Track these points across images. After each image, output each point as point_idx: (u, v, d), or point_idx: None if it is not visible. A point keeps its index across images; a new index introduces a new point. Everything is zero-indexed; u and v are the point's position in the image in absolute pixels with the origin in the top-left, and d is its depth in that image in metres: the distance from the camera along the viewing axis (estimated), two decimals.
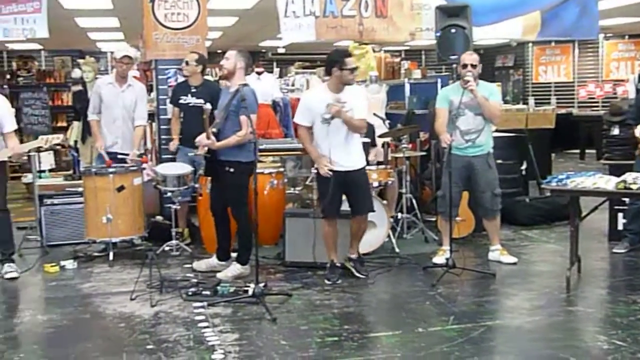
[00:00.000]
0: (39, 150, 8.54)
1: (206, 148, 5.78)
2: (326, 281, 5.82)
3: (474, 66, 6.11)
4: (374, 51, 10.70)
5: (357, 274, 5.89)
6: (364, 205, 5.88)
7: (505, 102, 14.15)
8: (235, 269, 5.98)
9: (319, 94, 5.80)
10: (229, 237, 6.14)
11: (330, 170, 5.70)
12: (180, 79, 7.59)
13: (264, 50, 18.60)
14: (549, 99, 16.51)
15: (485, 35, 8.69)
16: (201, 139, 5.78)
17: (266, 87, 9.37)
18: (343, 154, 5.74)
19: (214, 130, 5.75)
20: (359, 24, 8.33)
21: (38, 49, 16.81)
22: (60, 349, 4.43)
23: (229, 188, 5.90)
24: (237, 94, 5.62)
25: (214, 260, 6.14)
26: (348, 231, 5.99)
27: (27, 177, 10.29)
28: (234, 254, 6.13)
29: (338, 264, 5.95)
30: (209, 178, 6.20)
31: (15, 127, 6.38)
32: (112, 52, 17.32)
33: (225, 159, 5.79)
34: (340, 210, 5.91)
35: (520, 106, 13.36)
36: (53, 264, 6.40)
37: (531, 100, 14.54)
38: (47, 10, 7.79)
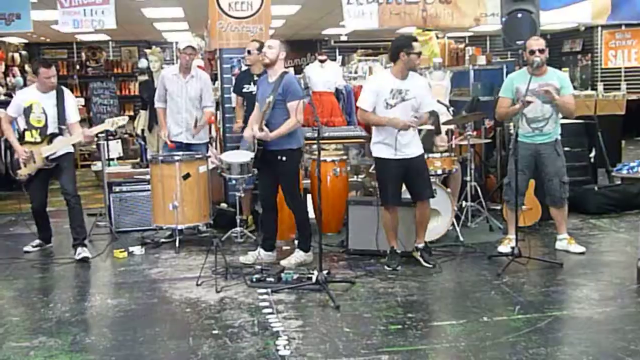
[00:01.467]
0: (107, 138, 8.78)
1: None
2: (386, 267, 5.82)
3: (541, 51, 5.98)
4: (437, 37, 10.56)
5: (425, 264, 5.86)
6: (424, 191, 5.86)
7: (573, 88, 13.78)
8: (298, 256, 6.03)
9: (384, 80, 5.82)
10: (276, 228, 6.18)
11: (392, 160, 5.71)
12: (244, 68, 7.65)
13: (326, 38, 18.60)
14: (619, 84, 15.99)
15: (552, 19, 8.50)
16: (253, 133, 5.81)
17: (329, 75, 9.35)
18: (405, 141, 5.72)
19: (260, 147, 5.86)
20: (423, 10, 8.26)
21: (106, 40, 17.21)
22: (130, 332, 4.54)
23: (282, 177, 5.94)
24: (281, 82, 5.71)
25: (260, 252, 6.15)
26: (410, 219, 5.97)
27: (97, 165, 10.57)
28: (296, 241, 6.19)
29: (398, 251, 5.93)
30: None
31: (79, 118, 6.72)
32: (177, 42, 17.61)
33: (276, 149, 5.83)
34: (401, 198, 5.89)
35: (589, 92, 12.99)
36: (122, 250, 6.57)
37: (600, 86, 14.11)
38: (115, 2, 7.97)
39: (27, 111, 6.41)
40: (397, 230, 5.94)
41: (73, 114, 6.56)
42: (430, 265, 5.84)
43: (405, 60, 5.65)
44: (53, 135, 6.41)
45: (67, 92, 6.60)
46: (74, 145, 6.75)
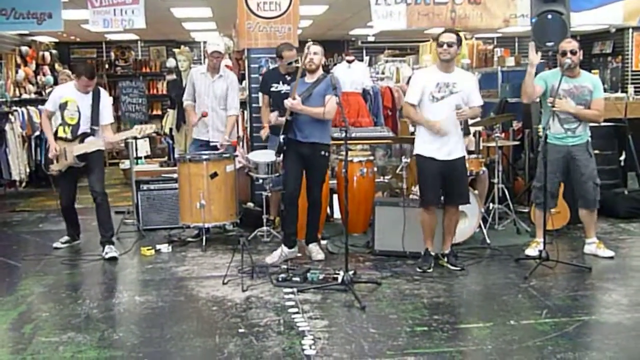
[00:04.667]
0: (135, 138, 8.85)
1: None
2: (417, 269, 5.80)
3: (573, 52, 5.94)
4: (465, 38, 10.50)
5: (453, 268, 5.83)
6: (459, 196, 5.83)
7: (603, 90, 13.59)
8: (318, 249, 6.26)
9: (431, 73, 5.90)
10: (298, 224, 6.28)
11: (431, 158, 5.71)
12: (272, 66, 7.65)
13: (353, 39, 18.58)
14: None
15: (583, 21, 8.41)
16: (285, 101, 5.96)
17: (357, 75, 9.33)
18: (446, 139, 5.70)
19: (289, 118, 5.98)
20: (451, 10, 8.22)
21: (135, 40, 17.33)
22: (157, 329, 4.58)
23: (318, 170, 6.13)
24: (322, 80, 5.97)
25: (285, 249, 6.18)
26: (440, 222, 5.94)
27: (125, 164, 10.67)
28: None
29: (432, 253, 5.91)
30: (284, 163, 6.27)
31: (112, 120, 6.85)
32: (205, 42, 17.68)
33: (319, 142, 6.00)
34: (440, 198, 5.87)
35: (619, 95, 12.83)
36: (149, 248, 6.62)
37: (631, 89, 13.92)
38: (144, 1, 8.04)
39: (63, 107, 6.54)
40: (434, 231, 5.92)
41: (107, 115, 6.65)
42: (459, 269, 5.81)
43: (437, 53, 5.72)
44: (85, 135, 6.51)
45: (103, 93, 6.67)
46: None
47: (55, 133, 6.58)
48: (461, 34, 10.01)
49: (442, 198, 5.88)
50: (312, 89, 5.98)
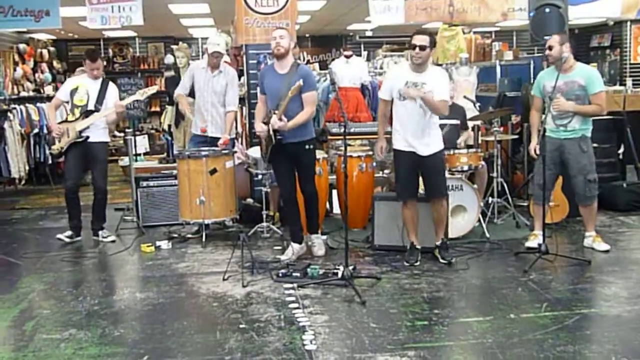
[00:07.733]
0: (134, 133, 8.87)
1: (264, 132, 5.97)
2: (405, 263, 5.82)
3: (549, 48, 5.95)
4: (463, 33, 10.51)
5: (442, 261, 5.84)
6: (435, 189, 5.81)
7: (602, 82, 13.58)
8: (321, 241, 6.21)
9: (401, 71, 5.87)
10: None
11: (405, 152, 5.72)
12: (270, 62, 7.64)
13: (351, 34, 18.57)
14: None
15: (581, 14, 8.42)
16: (272, 123, 5.79)
17: (355, 70, 9.33)
18: (418, 137, 5.67)
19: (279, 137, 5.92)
20: (449, 5, 8.23)
21: (132, 36, 17.31)
22: (158, 325, 4.58)
23: (306, 165, 6.06)
24: (295, 73, 5.81)
25: (295, 246, 6.15)
26: (430, 214, 5.94)
27: (124, 160, 10.68)
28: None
29: (418, 247, 5.92)
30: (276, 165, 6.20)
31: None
32: (202, 38, 17.66)
33: (303, 139, 5.92)
34: (417, 192, 5.89)
35: (618, 87, 12.84)
36: (149, 244, 6.63)
37: (629, 82, 13.94)
38: None
39: (73, 92, 6.87)
40: (416, 225, 5.92)
41: (110, 102, 6.89)
42: (445, 262, 5.81)
43: (409, 55, 5.72)
44: (89, 112, 6.76)
45: (111, 84, 7.05)
46: (110, 131, 7.06)
47: (65, 120, 6.88)
48: (459, 27, 10.08)
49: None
50: (288, 83, 5.80)
